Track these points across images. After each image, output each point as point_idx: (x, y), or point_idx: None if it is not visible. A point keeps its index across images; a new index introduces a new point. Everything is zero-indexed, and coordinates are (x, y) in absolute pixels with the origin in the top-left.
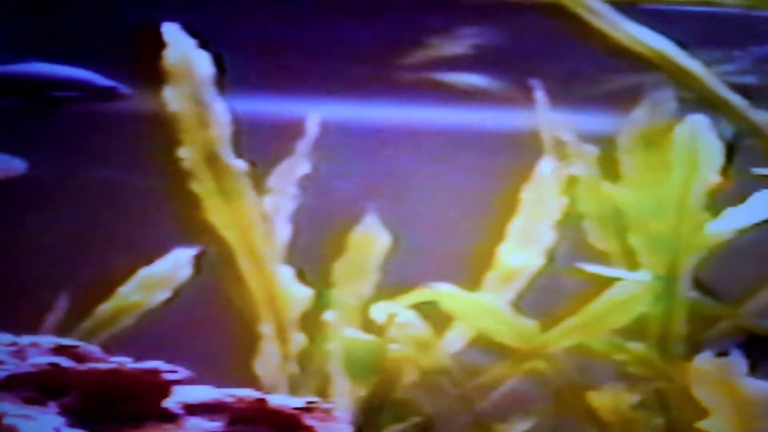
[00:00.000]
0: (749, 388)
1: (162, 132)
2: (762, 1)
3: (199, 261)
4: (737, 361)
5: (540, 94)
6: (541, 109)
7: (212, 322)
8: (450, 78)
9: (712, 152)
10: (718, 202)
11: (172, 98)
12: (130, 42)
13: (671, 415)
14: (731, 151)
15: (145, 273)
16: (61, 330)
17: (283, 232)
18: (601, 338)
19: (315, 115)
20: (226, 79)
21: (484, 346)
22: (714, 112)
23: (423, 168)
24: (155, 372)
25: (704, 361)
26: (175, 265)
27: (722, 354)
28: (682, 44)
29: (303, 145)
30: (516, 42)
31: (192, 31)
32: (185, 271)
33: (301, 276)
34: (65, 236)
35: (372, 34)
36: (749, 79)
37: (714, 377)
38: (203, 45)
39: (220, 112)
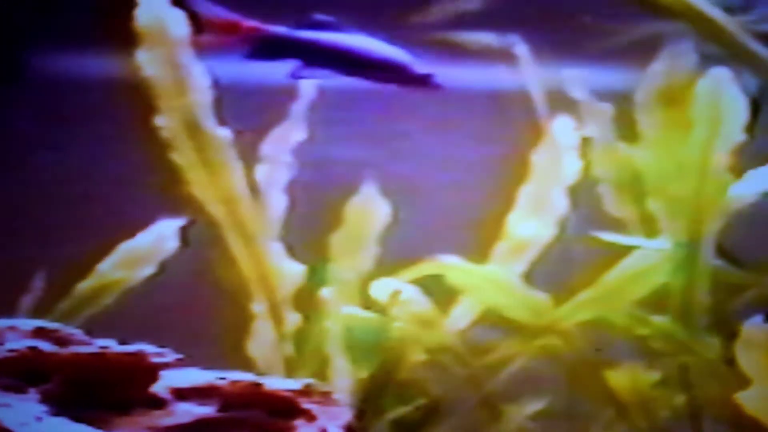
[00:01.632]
0: None
1: (137, 99)
2: None
3: (185, 233)
4: None
5: (523, 49)
6: (528, 65)
7: (201, 301)
8: (456, 36)
9: (736, 108)
10: (742, 162)
11: (146, 62)
12: (101, 3)
13: (694, 393)
14: (756, 106)
15: (126, 247)
16: (39, 311)
17: (278, 203)
18: (620, 312)
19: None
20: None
21: (493, 322)
22: (737, 65)
23: (425, 132)
24: (141, 355)
25: (753, 326)
26: (159, 237)
27: None
28: None
29: (298, 110)
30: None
31: None
32: (170, 244)
33: (292, 251)
34: (39, 211)
35: None
36: None
37: (762, 344)
38: (177, 2)
39: (199, 75)
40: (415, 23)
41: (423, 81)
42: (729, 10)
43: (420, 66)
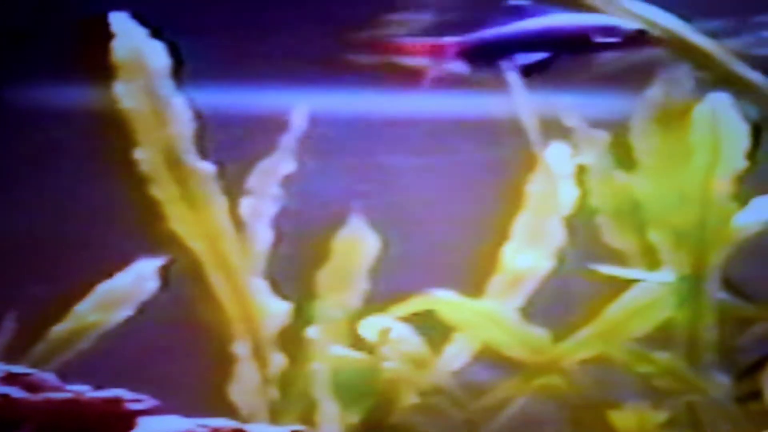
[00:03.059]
0: None
1: (115, 132)
2: None
3: (165, 273)
4: None
5: (515, 77)
6: (520, 93)
7: (181, 343)
8: (442, 65)
9: (737, 134)
10: (745, 190)
11: (124, 94)
12: (76, 34)
13: None
14: (758, 132)
15: (103, 288)
16: (10, 355)
17: (264, 238)
18: (622, 348)
19: (301, 107)
20: (187, 71)
21: (490, 360)
22: (733, 93)
23: (415, 162)
24: (117, 401)
25: None
26: (138, 278)
27: None
28: (688, 18)
29: (287, 141)
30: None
31: (143, 20)
32: (149, 285)
33: (277, 288)
34: (12, 248)
35: (354, 16)
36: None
37: None
38: (156, 34)
39: (179, 107)
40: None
41: (638, 38)
42: (715, 35)
43: (627, 23)
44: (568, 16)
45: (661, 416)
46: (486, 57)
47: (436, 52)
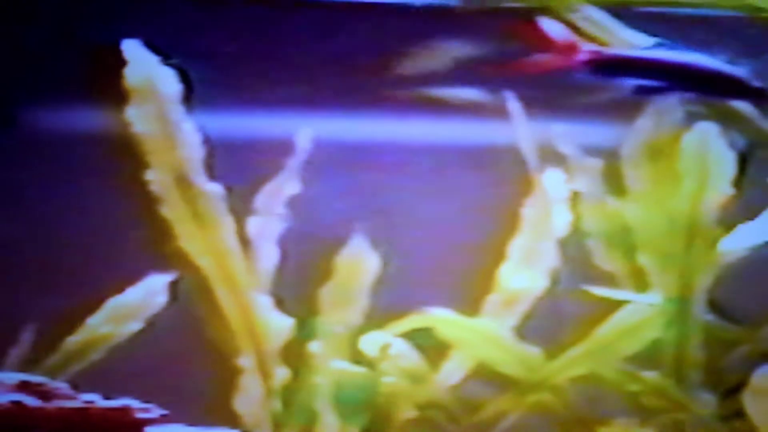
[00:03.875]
0: None
1: (127, 154)
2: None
3: (174, 288)
4: None
5: (516, 106)
6: (520, 121)
7: (188, 355)
8: (442, 92)
9: (724, 162)
10: (731, 216)
11: (136, 118)
12: (91, 60)
13: None
14: (744, 160)
15: (115, 302)
16: (26, 365)
17: (270, 256)
18: (612, 367)
19: (306, 131)
20: (198, 96)
21: (485, 377)
22: (723, 122)
23: (416, 185)
24: (126, 410)
25: (763, 375)
26: (148, 293)
27: None
28: (679, 46)
29: (292, 164)
30: (508, 51)
31: (155, 47)
32: (159, 300)
33: (281, 304)
34: (29, 265)
35: (358, 45)
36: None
37: None
38: (167, 61)
39: (189, 131)
40: (401, 78)
41: (759, 94)
42: None
43: (755, 79)
44: (704, 58)
45: None
46: (612, 72)
47: (570, 51)
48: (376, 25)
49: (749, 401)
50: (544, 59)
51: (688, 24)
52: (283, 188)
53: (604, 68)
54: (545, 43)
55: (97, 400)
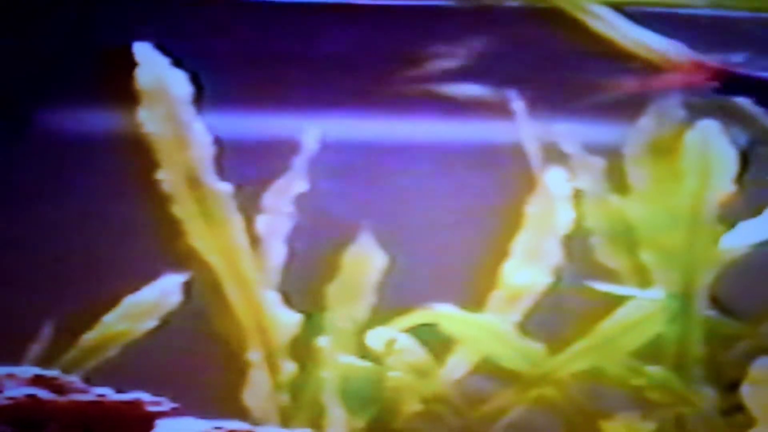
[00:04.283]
0: None
1: (140, 155)
2: None
3: (188, 287)
4: None
5: (520, 105)
6: (524, 120)
7: (199, 351)
8: (448, 90)
9: (726, 160)
10: (732, 213)
11: (148, 119)
12: (103, 62)
13: None
14: (746, 158)
15: (131, 301)
16: (45, 361)
17: (278, 253)
18: (615, 362)
19: (312, 130)
20: (207, 97)
21: (489, 371)
22: (726, 120)
23: (421, 183)
24: (138, 404)
25: (762, 366)
26: (163, 292)
27: None
28: (690, 47)
29: (299, 162)
30: (516, 50)
31: (166, 49)
32: (174, 299)
33: (289, 300)
34: (49, 263)
35: (363, 44)
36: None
37: None
38: (178, 63)
39: (200, 132)
40: (408, 77)
41: None
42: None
43: None
44: None
45: (649, 427)
46: (738, 91)
47: (698, 70)
48: (382, 24)
49: (748, 393)
50: (672, 78)
51: (701, 24)
52: (290, 187)
53: (731, 87)
54: (674, 65)
55: (110, 394)
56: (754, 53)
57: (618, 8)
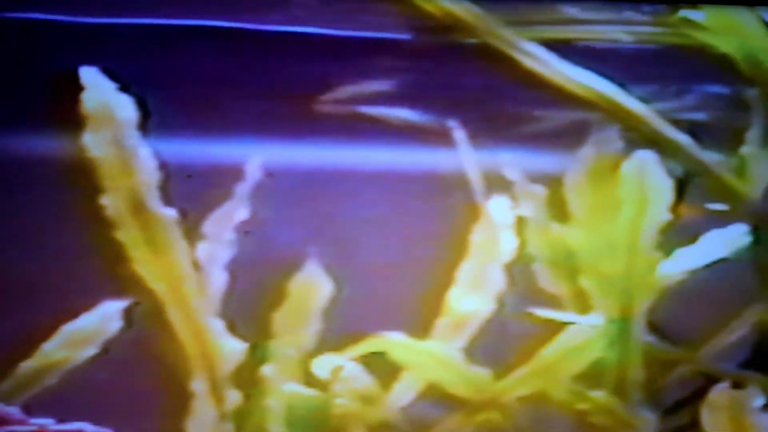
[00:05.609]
0: (761, 425)
1: (83, 179)
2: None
3: (129, 314)
4: (753, 395)
5: (460, 134)
6: (464, 148)
7: (141, 380)
8: (394, 117)
9: (662, 188)
10: (669, 240)
11: (92, 144)
12: (48, 87)
13: None
14: (682, 187)
15: (70, 328)
16: None
17: (218, 281)
18: (560, 387)
19: (256, 158)
20: (153, 123)
21: (435, 397)
22: (660, 152)
23: (366, 211)
24: None
25: (719, 391)
26: (103, 318)
27: (738, 386)
28: (621, 82)
29: (241, 190)
30: (450, 81)
31: (112, 74)
32: (114, 325)
33: (233, 328)
34: None
35: (304, 70)
36: (697, 117)
37: (727, 408)
38: (125, 88)
39: (145, 157)
40: (350, 103)
41: None
42: (646, 100)
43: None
44: None
45: None
46: None
47: None
48: (327, 52)
49: (705, 416)
50: None
51: (631, 59)
52: (232, 215)
53: None
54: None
55: (50, 424)
56: (682, 85)
57: (548, 44)
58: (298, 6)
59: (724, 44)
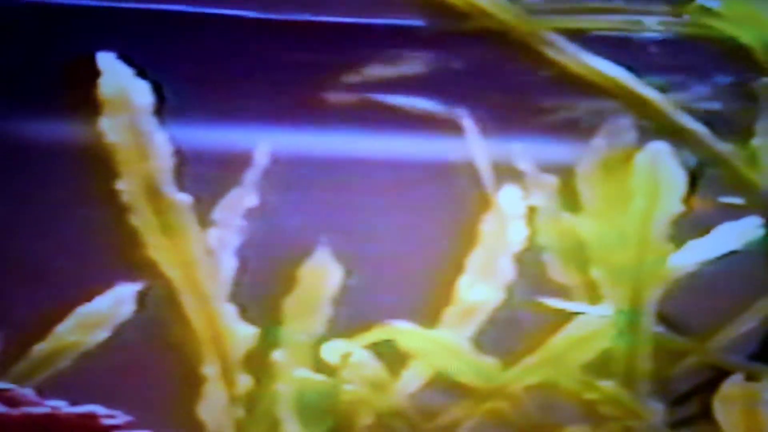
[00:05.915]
0: None
1: (100, 164)
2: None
3: (142, 298)
4: (767, 388)
5: (470, 123)
6: (474, 138)
7: (153, 364)
8: (406, 104)
9: (674, 180)
10: (681, 232)
11: (109, 129)
12: (65, 72)
13: None
14: (694, 179)
15: (83, 311)
16: None
17: (228, 267)
18: (569, 376)
19: (264, 145)
20: (169, 109)
21: (443, 386)
22: (674, 142)
23: (377, 199)
24: (92, 417)
25: (733, 383)
26: (116, 302)
27: (752, 379)
28: (638, 72)
29: (250, 176)
30: (466, 69)
31: (129, 60)
32: (127, 309)
33: (245, 313)
34: (0, 271)
35: (316, 57)
36: (712, 107)
37: (740, 401)
38: (141, 74)
39: (161, 143)
40: (363, 89)
41: None
42: (664, 89)
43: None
44: None
45: None
46: None
47: None
48: (340, 39)
49: (718, 408)
50: None
51: (648, 48)
52: (242, 201)
53: None
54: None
55: (63, 407)
56: (695, 77)
57: (570, 34)
58: None
59: (742, 33)
